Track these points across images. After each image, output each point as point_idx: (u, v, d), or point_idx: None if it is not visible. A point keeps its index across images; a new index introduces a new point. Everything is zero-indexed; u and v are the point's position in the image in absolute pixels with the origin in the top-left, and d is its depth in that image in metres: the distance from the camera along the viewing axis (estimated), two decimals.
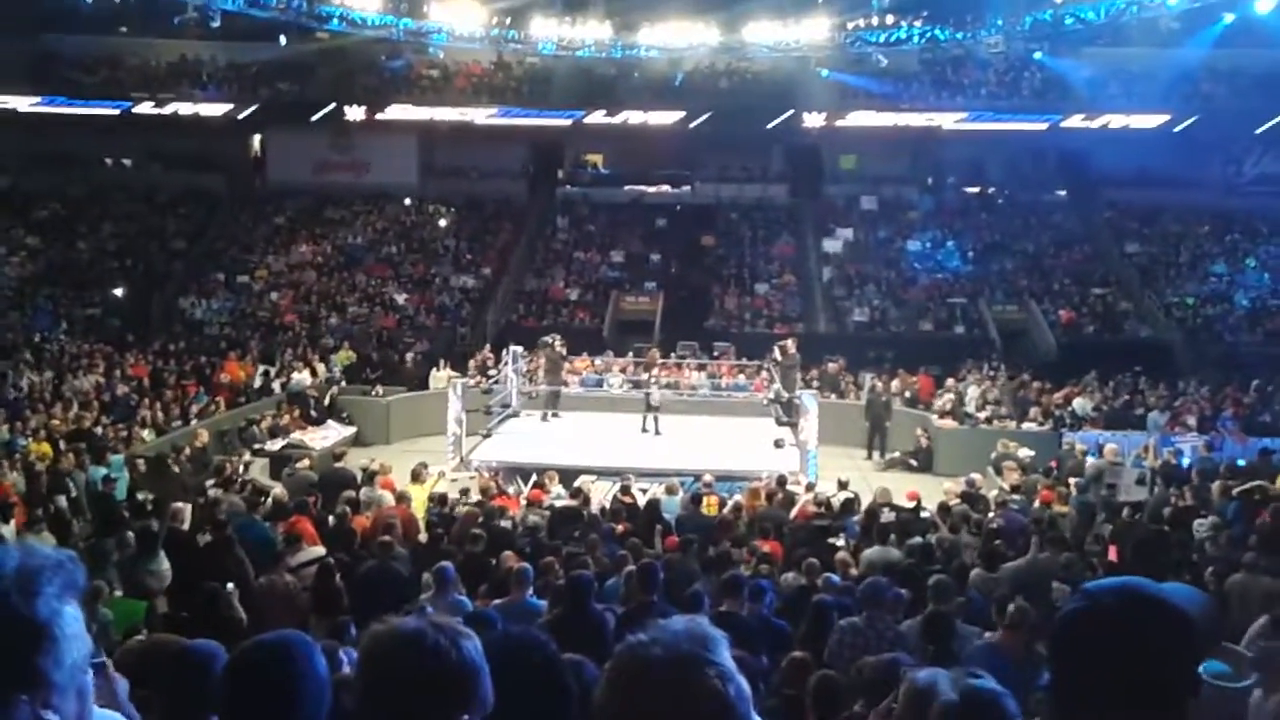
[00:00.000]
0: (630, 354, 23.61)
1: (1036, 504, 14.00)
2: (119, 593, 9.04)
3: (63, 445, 16.08)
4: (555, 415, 19.98)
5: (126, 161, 34.16)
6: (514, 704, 1.96)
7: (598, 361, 23.66)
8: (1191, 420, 20.14)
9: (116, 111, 31.64)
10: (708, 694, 1.46)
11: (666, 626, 1.56)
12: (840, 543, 11.25)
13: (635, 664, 1.51)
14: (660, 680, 1.47)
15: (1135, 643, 1.72)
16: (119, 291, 28.75)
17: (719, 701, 1.46)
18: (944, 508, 12.92)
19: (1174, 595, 1.83)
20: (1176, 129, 29.49)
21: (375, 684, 1.80)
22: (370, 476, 13.76)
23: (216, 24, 30.58)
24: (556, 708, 2.27)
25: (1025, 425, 20.11)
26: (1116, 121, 29.89)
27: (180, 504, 11.97)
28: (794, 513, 12.56)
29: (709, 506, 13.39)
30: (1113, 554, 11.04)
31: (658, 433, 18.67)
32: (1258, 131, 29.74)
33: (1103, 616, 1.78)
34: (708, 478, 14.48)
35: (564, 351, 20.34)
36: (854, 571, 9.65)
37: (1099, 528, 12.62)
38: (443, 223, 31.96)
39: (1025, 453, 17.46)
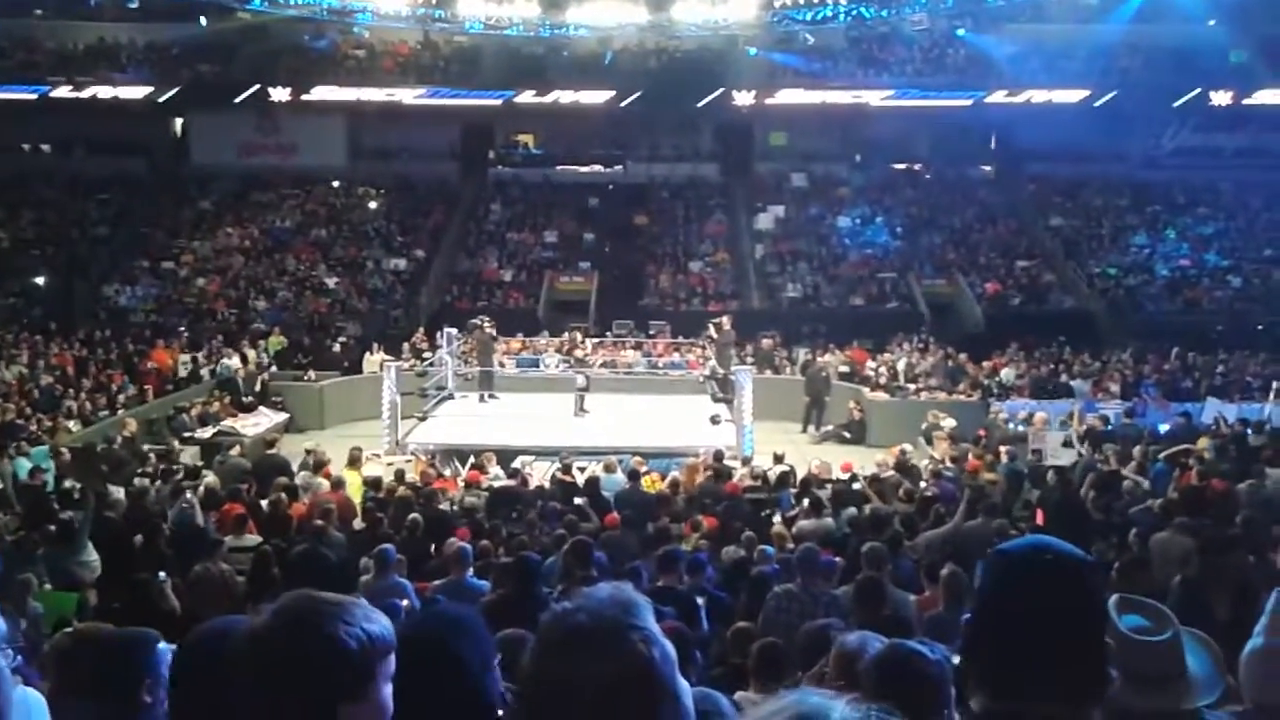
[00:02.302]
0: (565, 335, 23.61)
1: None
2: (48, 586, 8.89)
3: None
4: (492, 396, 19.91)
5: (45, 147, 33.27)
6: (409, 702, 1.95)
7: (536, 342, 23.61)
8: (1115, 387, 20.69)
9: (34, 96, 30.82)
10: (632, 656, 1.49)
11: (591, 594, 1.59)
12: (777, 517, 11.41)
13: (560, 630, 1.53)
14: (585, 645, 1.50)
15: (1038, 589, 1.80)
16: (40, 280, 28.05)
17: (643, 664, 1.49)
18: (875, 479, 13.13)
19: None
20: (1097, 104, 30.08)
21: (262, 668, 1.75)
22: (319, 464, 13.57)
23: (135, 4, 29.91)
24: (459, 696, 2.25)
25: (955, 396, 20.48)
26: (1039, 97, 30.41)
27: (115, 493, 11.78)
28: (727, 486, 12.66)
29: (650, 483, 13.47)
30: (1039, 518, 11.31)
31: (583, 410, 18.61)
32: (1175, 105, 30.49)
33: (1009, 568, 1.87)
34: (638, 458, 14.51)
35: (494, 333, 20.23)
36: (790, 546, 9.79)
37: (1027, 493, 12.91)
38: (373, 205, 31.60)
39: (949, 422, 17.76)
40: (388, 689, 1.78)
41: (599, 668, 1.49)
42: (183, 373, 21.98)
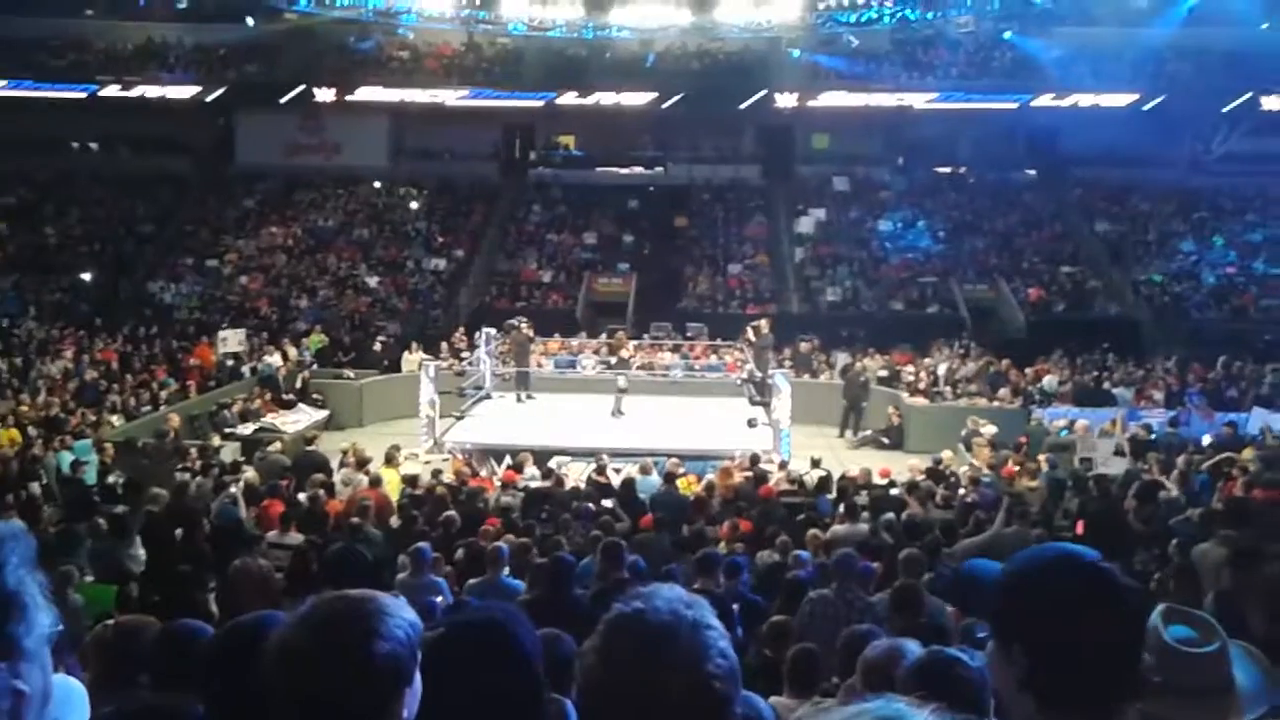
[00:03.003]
0: (603, 335, 23.61)
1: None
2: (90, 578, 8.99)
3: (32, 431, 15.95)
4: (529, 397, 19.96)
5: (93, 145, 33.74)
6: (467, 687, 1.93)
7: (573, 343, 23.65)
8: (1158, 395, 20.38)
9: (83, 95, 31.27)
10: (713, 653, 1.47)
11: (655, 592, 1.56)
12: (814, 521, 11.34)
13: (642, 631, 1.49)
14: (675, 649, 1.46)
15: (1046, 597, 1.74)
16: (87, 276, 28.45)
17: (724, 661, 1.48)
18: (912, 485, 13.02)
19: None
20: (1145, 108, 29.68)
21: (284, 674, 1.74)
22: (361, 462, 13.65)
23: (183, 5, 30.31)
24: (518, 685, 2.24)
25: (995, 402, 20.27)
26: (1085, 100, 30.05)
27: (159, 489, 11.91)
28: (763, 490, 12.61)
29: (685, 486, 13.44)
30: (1079, 528, 11.15)
31: (620, 413, 18.59)
32: (1225, 110, 30.03)
33: (1019, 579, 1.81)
34: (674, 460, 14.48)
35: (531, 334, 20.29)
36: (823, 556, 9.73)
37: (1068, 502, 12.75)
38: (414, 205, 31.77)
39: (989, 429, 17.56)
40: (416, 684, 1.75)
41: (678, 664, 1.46)
42: (224, 369, 22.06)
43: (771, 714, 2.91)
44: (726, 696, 1.48)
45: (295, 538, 9.89)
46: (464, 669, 1.83)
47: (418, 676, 1.76)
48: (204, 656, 2.58)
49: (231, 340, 22.40)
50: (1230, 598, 6.74)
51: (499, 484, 13.72)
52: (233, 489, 12.12)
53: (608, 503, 12.06)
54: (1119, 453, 15.63)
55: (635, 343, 22.41)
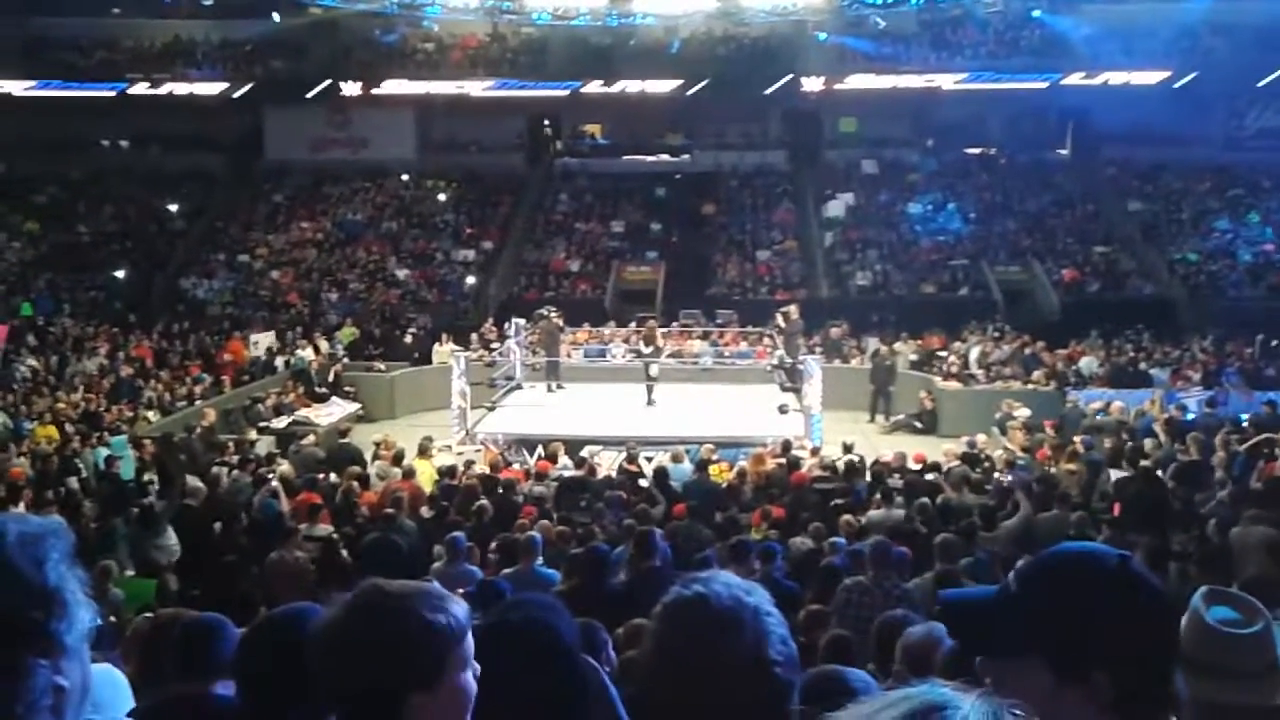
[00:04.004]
0: (633, 324, 23.60)
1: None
2: (130, 572, 9.10)
3: (69, 428, 16.15)
4: (560, 387, 19.99)
5: (124, 143, 34.04)
6: (512, 686, 1.93)
7: (603, 331, 23.66)
8: (1196, 375, 20.14)
9: (112, 93, 31.56)
10: (774, 639, 1.48)
11: (714, 577, 1.57)
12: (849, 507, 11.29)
13: (699, 611, 1.50)
14: (728, 627, 1.47)
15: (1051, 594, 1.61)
16: (120, 273, 28.75)
17: (785, 648, 1.49)
18: (944, 469, 12.94)
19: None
20: (1177, 85, 29.26)
21: (329, 658, 1.74)
22: (398, 457, 13.70)
23: (209, 2, 30.50)
24: (562, 680, 2.24)
25: (1029, 385, 20.09)
26: (1117, 78, 29.67)
27: (194, 482, 12.04)
28: (795, 476, 12.56)
29: (718, 473, 13.43)
30: (1116, 510, 11.06)
31: (651, 402, 18.58)
32: (1259, 85, 29.54)
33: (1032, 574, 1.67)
34: (709, 446, 14.49)
35: (561, 323, 20.31)
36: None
37: (1105, 484, 12.64)
38: (442, 197, 31.84)
39: (1024, 412, 17.37)
40: (464, 675, 1.74)
41: (740, 643, 1.46)
42: (258, 363, 22.24)
43: (862, 680, 2.86)
44: (788, 683, 1.48)
45: (323, 529, 9.97)
46: (507, 669, 1.84)
47: (469, 669, 1.76)
48: (236, 647, 2.61)
49: (262, 344, 22.64)
50: (1260, 584, 6.65)
51: (532, 474, 13.73)
52: (273, 483, 12.23)
53: (641, 484, 12.07)
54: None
55: (664, 330, 22.43)
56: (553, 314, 20.06)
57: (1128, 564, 1.62)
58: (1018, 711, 1.09)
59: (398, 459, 13.64)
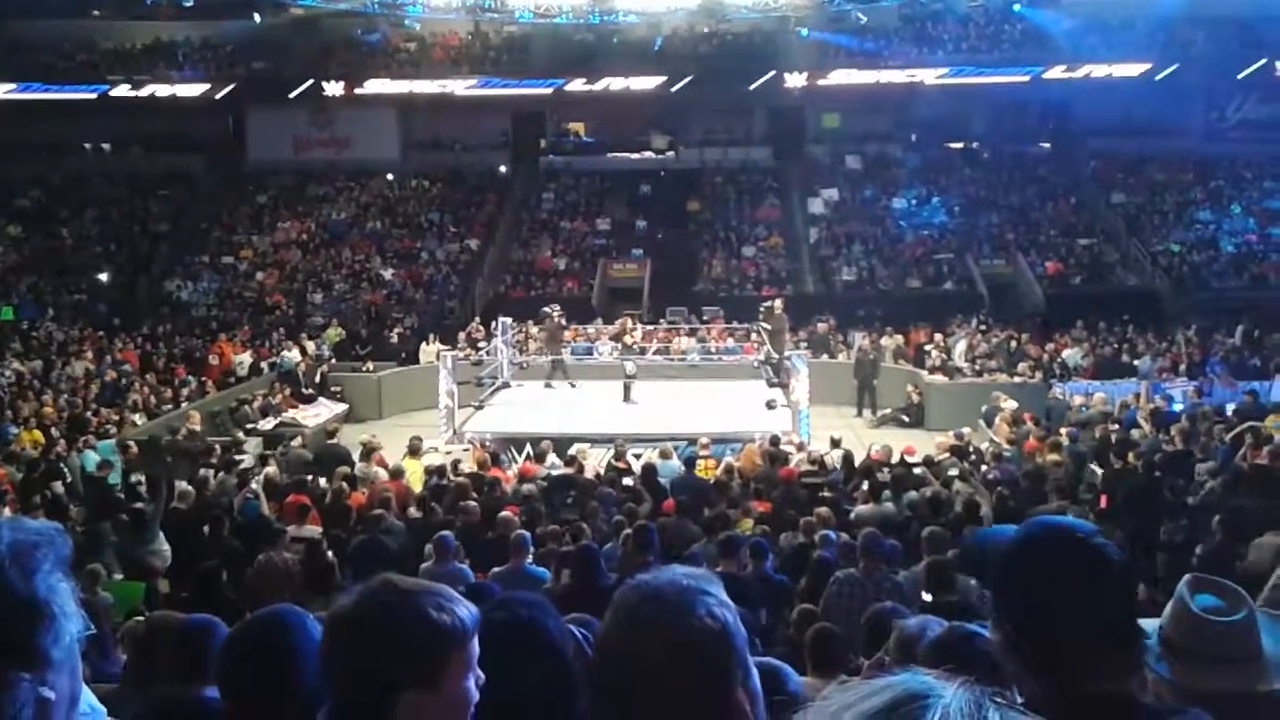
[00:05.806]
0: (617, 322, 23.59)
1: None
2: (118, 576, 9.07)
3: (55, 432, 16.06)
4: (572, 385, 19.84)
5: (106, 145, 33.89)
6: (501, 686, 1.93)
7: (589, 329, 23.65)
8: (1181, 366, 20.26)
9: (93, 95, 31.39)
10: (708, 618, 1.48)
11: (665, 569, 1.58)
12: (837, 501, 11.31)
13: (635, 598, 1.52)
14: (659, 611, 1.48)
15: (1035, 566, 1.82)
16: (104, 277, 28.61)
17: (718, 627, 1.47)
18: (933, 462, 12.98)
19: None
20: (1158, 77, 29.40)
21: (333, 648, 1.76)
22: (368, 453, 13.70)
23: (190, 3, 30.35)
24: (551, 679, 2.24)
25: (1014, 378, 20.17)
26: (1098, 71, 29.78)
27: (182, 484, 12.00)
28: (783, 471, 12.58)
29: (705, 470, 13.43)
30: (1103, 502, 11.11)
31: (628, 400, 18.51)
32: (1240, 77, 29.72)
33: (1006, 551, 1.89)
34: (704, 440, 14.51)
35: (563, 321, 20.35)
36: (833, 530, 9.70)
37: (1090, 476, 12.70)
38: (426, 196, 31.77)
39: (1010, 404, 17.45)
40: (465, 682, 1.74)
41: (672, 632, 1.47)
42: (241, 372, 22.16)
43: (799, 687, 2.90)
44: (713, 658, 1.47)
45: (309, 530, 9.94)
46: (496, 669, 1.84)
47: (472, 676, 1.76)
48: (221, 649, 2.61)
49: (246, 361, 22.52)
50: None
51: (515, 477, 13.67)
52: (254, 484, 12.18)
53: (628, 481, 12.07)
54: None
55: (650, 327, 22.38)
56: (556, 312, 20.09)
57: (1043, 527, 1.91)
58: (1000, 699, 1.10)
59: (368, 454, 13.62)
